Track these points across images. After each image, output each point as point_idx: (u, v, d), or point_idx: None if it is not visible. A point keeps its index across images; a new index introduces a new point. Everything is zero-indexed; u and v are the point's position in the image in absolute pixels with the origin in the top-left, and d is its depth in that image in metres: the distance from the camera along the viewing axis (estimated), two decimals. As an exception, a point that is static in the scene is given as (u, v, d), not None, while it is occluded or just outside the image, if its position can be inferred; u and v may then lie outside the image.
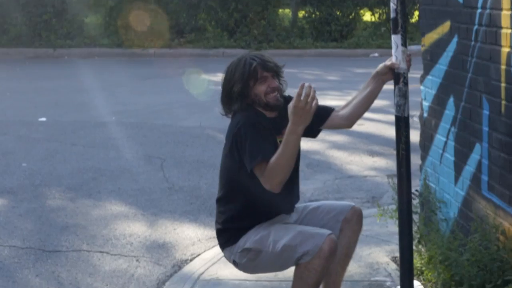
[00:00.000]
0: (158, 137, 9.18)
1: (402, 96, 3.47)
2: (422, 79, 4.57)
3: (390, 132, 8.18)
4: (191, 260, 5.29)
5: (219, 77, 3.84)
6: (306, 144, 8.47)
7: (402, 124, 3.49)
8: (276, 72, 3.58)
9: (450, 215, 4.09)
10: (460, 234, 3.81)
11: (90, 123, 10.10)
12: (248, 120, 3.48)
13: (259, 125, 3.47)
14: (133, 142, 8.96)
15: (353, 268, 4.64)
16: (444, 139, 4.14)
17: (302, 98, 3.19)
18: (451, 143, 4.04)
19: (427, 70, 4.49)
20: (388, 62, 3.52)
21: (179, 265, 5.24)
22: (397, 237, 3.72)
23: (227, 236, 3.75)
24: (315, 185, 7.02)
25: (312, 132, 3.73)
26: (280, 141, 3.40)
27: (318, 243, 3.45)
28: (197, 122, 9.96)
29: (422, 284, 4.04)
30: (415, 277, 4.22)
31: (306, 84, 3.22)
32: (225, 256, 3.90)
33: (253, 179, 3.45)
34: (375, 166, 7.65)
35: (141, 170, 7.68)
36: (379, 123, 9.49)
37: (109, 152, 8.50)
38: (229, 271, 4.72)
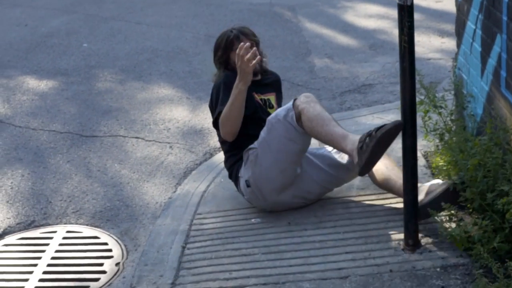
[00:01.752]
0: (224, 15, 8.92)
1: (405, -19, 3.07)
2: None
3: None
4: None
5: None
6: (374, 22, 8.03)
7: (404, 13, 3.12)
8: (253, 39, 3.97)
9: (477, 111, 3.73)
10: (468, 133, 3.47)
11: (161, 0, 9.91)
12: (225, 79, 3.92)
13: (232, 84, 3.76)
14: (198, 21, 8.75)
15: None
16: (473, 26, 3.72)
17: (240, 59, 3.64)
18: (479, 32, 3.62)
19: None
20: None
21: (211, 153, 5.11)
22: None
23: (231, 170, 4.05)
24: (373, 67, 6.65)
25: None
26: (262, 99, 4.01)
27: (289, 105, 3.68)
28: (267, -1, 9.61)
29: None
30: (433, 177, 3.94)
31: (246, 45, 3.66)
32: (239, 190, 4.03)
33: None
34: (442, 47, 7.15)
35: (198, 50, 7.50)
36: None
37: (171, 31, 8.33)
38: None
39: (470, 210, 3.28)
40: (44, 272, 3.81)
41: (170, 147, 5.24)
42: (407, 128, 3.24)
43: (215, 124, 3.98)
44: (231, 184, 4.13)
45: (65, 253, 3.99)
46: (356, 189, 4.08)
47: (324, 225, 3.74)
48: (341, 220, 3.77)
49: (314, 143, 4.00)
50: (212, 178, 4.52)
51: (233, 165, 4.01)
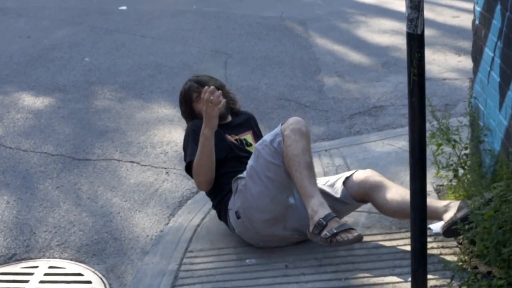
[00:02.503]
0: (232, 29, 8.63)
1: (415, 9, 2.74)
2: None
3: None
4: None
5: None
6: (388, 39, 7.70)
7: (414, 43, 2.78)
8: (210, 86, 3.74)
9: (494, 146, 3.39)
10: (485, 176, 3.14)
11: (169, 12, 9.66)
12: (192, 126, 3.84)
13: (199, 131, 3.65)
14: (205, 34, 8.46)
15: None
16: (491, 54, 3.39)
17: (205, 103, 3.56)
18: (497, 60, 3.29)
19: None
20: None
21: (209, 180, 4.78)
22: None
23: (219, 209, 3.83)
24: (385, 87, 6.32)
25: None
26: (237, 139, 3.87)
27: (277, 130, 3.49)
28: (278, 12, 9.30)
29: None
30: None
31: (210, 88, 3.59)
32: (229, 225, 3.78)
33: None
34: (458, 67, 6.81)
35: (203, 67, 7.19)
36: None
37: (176, 45, 8.04)
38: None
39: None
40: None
41: (167, 172, 4.94)
42: (415, 170, 2.90)
43: (188, 172, 3.85)
44: (225, 219, 3.82)
45: (45, 294, 3.69)
46: (361, 227, 3.75)
47: (324, 270, 3.42)
48: (343, 264, 3.44)
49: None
50: (208, 210, 4.21)
51: (219, 203, 3.77)
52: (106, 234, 4.17)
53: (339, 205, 3.58)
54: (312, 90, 6.40)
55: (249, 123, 4.06)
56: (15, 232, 4.23)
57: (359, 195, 3.56)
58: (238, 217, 3.59)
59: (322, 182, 3.65)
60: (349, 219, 3.81)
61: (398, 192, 3.45)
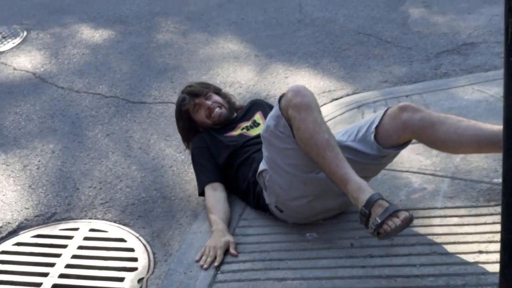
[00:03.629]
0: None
1: None
2: None
3: None
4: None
5: None
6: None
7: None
8: (206, 93, 3.62)
9: None
10: None
11: None
12: (193, 149, 3.56)
13: (204, 149, 3.48)
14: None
15: (472, 168, 3.45)
16: None
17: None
18: None
19: None
20: None
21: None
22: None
23: (257, 204, 3.31)
24: (478, 21, 5.59)
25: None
26: (246, 127, 3.55)
27: (277, 111, 2.89)
28: None
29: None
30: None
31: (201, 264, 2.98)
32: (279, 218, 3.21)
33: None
34: None
35: (275, -5, 6.58)
36: None
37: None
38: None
39: None
40: (54, 286, 3.14)
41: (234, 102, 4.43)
42: (510, 146, 2.30)
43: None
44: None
45: (83, 260, 3.32)
46: (442, 198, 3.19)
47: (396, 252, 2.88)
48: (418, 246, 2.90)
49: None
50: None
51: (257, 203, 3.29)
52: (155, 192, 3.74)
53: (377, 160, 3.00)
54: (395, 23, 5.73)
55: (255, 107, 3.73)
56: (58, 187, 3.85)
57: (399, 140, 2.97)
58: (281, 211, 3.09)
59: (348, 134, 3.06)
60: (429, 186, 3.25)
61: (458, 121, 2.85)
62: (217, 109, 3.59)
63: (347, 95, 4.55)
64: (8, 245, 3.44)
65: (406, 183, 3.33)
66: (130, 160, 4.06)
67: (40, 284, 3.14)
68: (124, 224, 3.53)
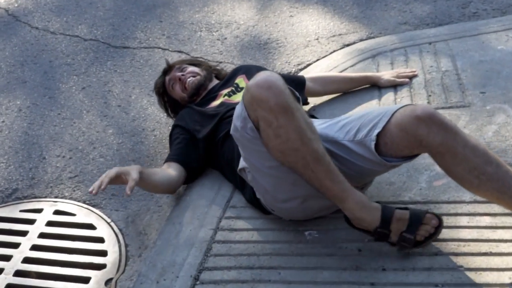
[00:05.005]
0: None
1: None
2: None
3: None
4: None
5: None
6: None
7: None
8: (179, 66, 3.20)
9: None
10: None
11: None
12: (174, 122, 3.06)
13: (179, 127, 2.95)
14: None
15: (509, 146, 2.88)
16: None
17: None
18: None
19: None
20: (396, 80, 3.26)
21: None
22: None
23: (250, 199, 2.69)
24: None
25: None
26: (227, 93, 3.01)
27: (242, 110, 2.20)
28: None
29: None
30: None
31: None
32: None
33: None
34: None
35: None
36: None
37: None
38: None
39: None
40: (8, 286, 2.66)
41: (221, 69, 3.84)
42: None
43: None
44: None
45: (44, 253, 2.83)
46: (470, 195, 2.61)
47: (414, 264, 2.34)
48: (441, 256, 2.35)
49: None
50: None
51: (250, 196, 2.67)
52: (133, 163, 3.19)
53: (377, 166, 2.35)
54: None
55: (239, 71, 3.16)
56: (22, 156, 3.32)
57: (408, 153, 2.31)
58: (273, 210, 2.53)
59: (346, 129, 2.36)
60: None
61: (485, 163, 2.21)
62: (190, 79, 3.13)
63: (361, 40, 3.93)
64: (-45, 232, 2.95)
65: (427, 165, 2.76)
66: (106, 121, 3.51)
67: (-10, 283, 2.66)
68: (95, 205, 3.01)
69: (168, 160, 2.83)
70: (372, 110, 2.32)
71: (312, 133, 2.15)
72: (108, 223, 2.93)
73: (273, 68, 3.72)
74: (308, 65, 3.76)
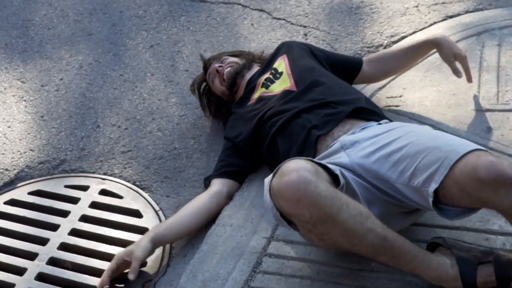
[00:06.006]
0: None
1: None
2: None
3: None
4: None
5: None
6: None
7: None
8: (220, 58, 2.83)
9: None
10: None
11: None
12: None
13: (225, 139, 2.58)
14: None
15: None
16: None
17: None
18: None
19: None
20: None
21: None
22: None
23: None
24: None
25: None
26: (263, 86, 2.58)
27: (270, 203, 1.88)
28: None
29: None
30: None
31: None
32: None
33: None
34: None
35: None
36: None
37: None
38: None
39: None
40: (38, 276, 2.42)
41: (304, 34, 3.44)
42: None
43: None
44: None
45: (81, 240, 2.57)
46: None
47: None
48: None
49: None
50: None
51: None
52: (193, 142, 2.89)
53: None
54: None
55: (278, 50, 2.73)
56: (75, 122, 3.05)
57: (469, 206, 1.88)
58: None
59: (400, 168, 1.91)
60: None
61: None
62: (227, 69, 2.76)
63: (467, 11, 3.42)
64: (-1, 202, 2.73)
65: None
66: (171, 87, 3.18)
67: (24, 270, 2.42)
68: (144, 188, 2.72)
69: (211, 178, 2.52)
70: (427, 146, 1.88)
71: (363, 225, 1.79)
72: (156, 212, 2.63)
73: (363, 38, 3.28)
74: (403, 37, 3.30)
